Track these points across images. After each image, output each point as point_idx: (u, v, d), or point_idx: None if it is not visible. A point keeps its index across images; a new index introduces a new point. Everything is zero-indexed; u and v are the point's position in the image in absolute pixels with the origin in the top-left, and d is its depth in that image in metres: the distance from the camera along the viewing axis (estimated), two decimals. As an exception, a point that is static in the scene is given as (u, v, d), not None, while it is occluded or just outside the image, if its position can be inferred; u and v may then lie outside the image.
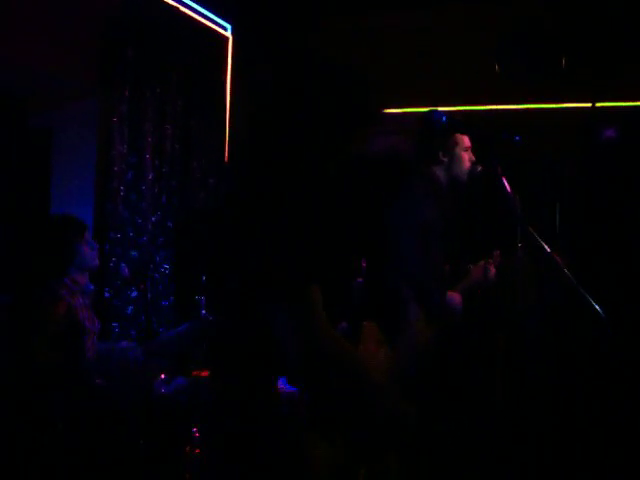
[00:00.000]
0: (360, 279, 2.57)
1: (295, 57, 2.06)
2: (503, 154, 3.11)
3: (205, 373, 2.89)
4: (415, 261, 3.24)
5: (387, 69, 5.38)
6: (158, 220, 4.47)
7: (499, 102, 5.18)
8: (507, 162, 3.09)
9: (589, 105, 4.99)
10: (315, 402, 1.74)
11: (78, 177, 4.19)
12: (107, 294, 4.06)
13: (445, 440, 3.52)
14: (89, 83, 4.09)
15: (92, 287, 3.23)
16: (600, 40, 4.90)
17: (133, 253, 4.24)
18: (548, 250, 2.87)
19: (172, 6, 4.30)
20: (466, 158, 3.43)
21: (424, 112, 3.46)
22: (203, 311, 3.00)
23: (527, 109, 5.17)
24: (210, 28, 4.67)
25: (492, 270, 3.39)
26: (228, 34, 4.92)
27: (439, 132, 3.41)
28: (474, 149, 3.45)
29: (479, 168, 3.40)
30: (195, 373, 3.01)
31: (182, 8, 4.37)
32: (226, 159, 3.94)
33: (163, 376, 2.91)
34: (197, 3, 4.48)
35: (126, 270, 3.68)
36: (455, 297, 3.31)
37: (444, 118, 3.23)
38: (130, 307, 4.19)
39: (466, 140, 3.44)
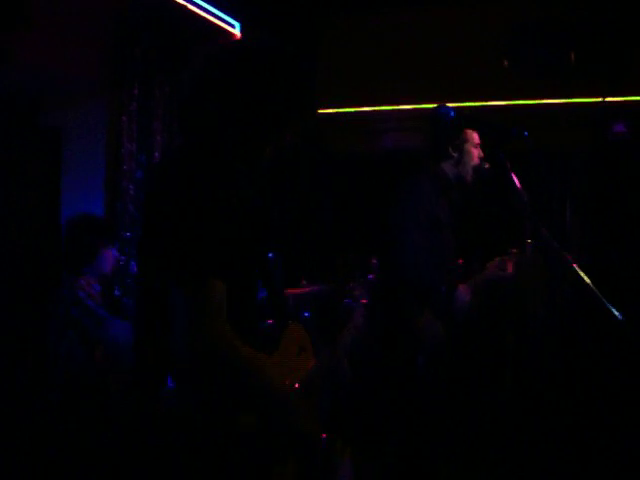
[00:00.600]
0: (370, 276, 2.56)
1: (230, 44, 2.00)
2: (512, 149, 3.10)
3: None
4: (418, 257, 3.24)
5: (396, 66, 5.38)
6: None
7: (509, 97, 5.17)
8: (516, 157, 3.08)
9: (599, 100, 4.97)
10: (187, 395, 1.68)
11: (88, 176, 4.21)
12: (117, 292, 4.07)
13: (452, 435, 3.52)
14: (99, 82, 4.10)
15: (99, 288, 3.26)
16: (609, 34, 4.88)
17: (143, 252, 4.25)
18: (558, 246, 2.86)
19: (181, 5, 4.30)
20: (475, 154, 3.41)
21: (433, 108, 3.47)
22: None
23: (537, 104, 5.15)
24: (218, 26, 4.67)
25: (509, 267, 3.35)
26: (236, 32, 4.92)
27: (448, 127, 3.40)
28: (483, 144, 3.44)
29: (487, 165, 3.38)
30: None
31: (190, 6, 4.38)
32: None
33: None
34: (205, 1, 4.48)
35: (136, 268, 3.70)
36: (463, 291, 3.29)
37: (452, 113, 3.23)
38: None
39: (475, 136, 3.43)
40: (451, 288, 3.25)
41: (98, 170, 4.19)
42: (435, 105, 3.46)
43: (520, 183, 3.02)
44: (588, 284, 2.67)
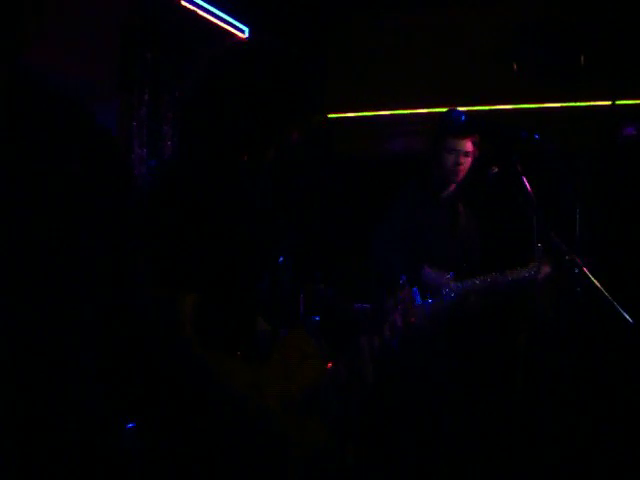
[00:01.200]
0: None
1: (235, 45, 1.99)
2: (523, 153, 3.10)
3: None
4: (384, 253, 3.36)
5: (405, 70, 5.38)
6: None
7: (518, 101, 5.16)
8: (527, 161, 3.08)
9: (609, 103, 4.95)
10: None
11: (98, 181, 4.22)
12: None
13: (459, 436, 3.52)
14: (108, 87, 4.12)
15: None
16: (619, 37, 4.87)
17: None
18: (568, 251, 2.85)
19: (190, 10, 4.33)
20: (450, 160, 3.46)
21: (443, 112, 3.47)
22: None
23: (546, 108, 5.14)
24: (228, 31, 4.69)
25: (545, 268, 3.31)
26: (246, 36, 4.94)
27: (456, 131, 3.41)
28: (493, 149, 3.44)
29: (495, 169, 3.39)
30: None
31: (200, 12, 4.40)
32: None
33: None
34: (215, 6, 4.50)
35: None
36: (438, 275, 3.28)
37: (463, 117, 3.22)
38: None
39: (456, 142, 3.46)
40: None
41: (108, 175, 4.20)
42: (445, 109, 3.46)
43: (530, 187, 3.02)
44: (598, 288, 2.66)
